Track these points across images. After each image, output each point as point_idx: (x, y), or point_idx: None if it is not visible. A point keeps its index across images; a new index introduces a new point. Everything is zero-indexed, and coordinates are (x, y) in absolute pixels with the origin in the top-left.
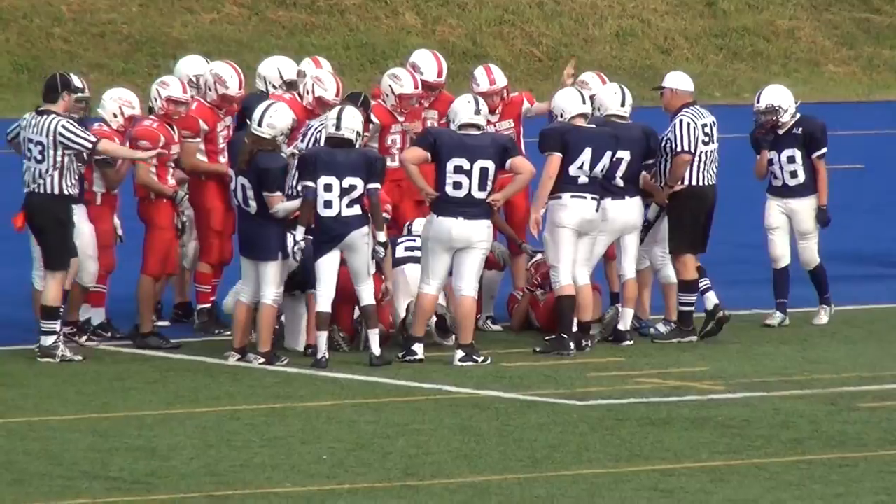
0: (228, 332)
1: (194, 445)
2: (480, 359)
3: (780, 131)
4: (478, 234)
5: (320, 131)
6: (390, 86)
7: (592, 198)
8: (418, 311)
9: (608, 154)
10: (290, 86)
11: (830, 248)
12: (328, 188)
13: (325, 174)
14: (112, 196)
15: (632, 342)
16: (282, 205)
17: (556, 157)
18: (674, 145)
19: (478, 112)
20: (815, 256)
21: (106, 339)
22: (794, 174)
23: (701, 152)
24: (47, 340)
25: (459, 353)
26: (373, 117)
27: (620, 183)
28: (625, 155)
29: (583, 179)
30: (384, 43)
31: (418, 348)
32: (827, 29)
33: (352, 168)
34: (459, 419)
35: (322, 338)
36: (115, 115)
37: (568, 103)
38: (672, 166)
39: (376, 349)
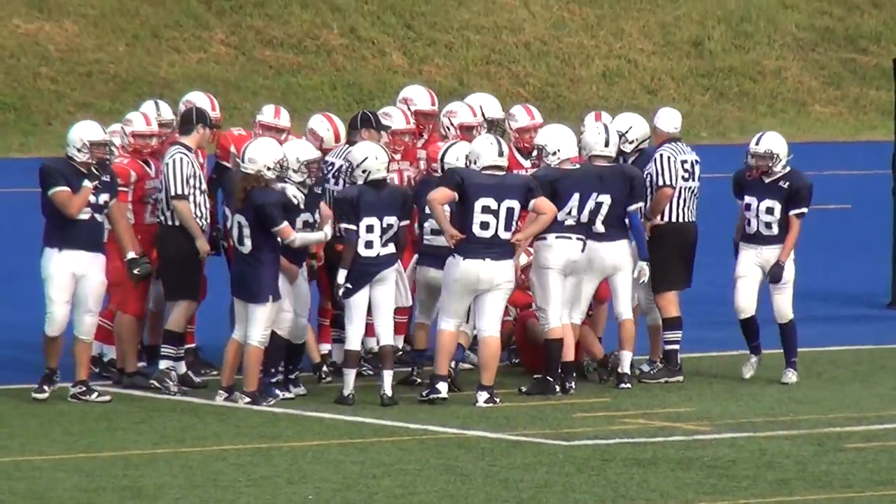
0: (215, 372)
1: (181, 485)
2: (498, 399)
3: (767, 180)
4: (503, 274)
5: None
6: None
7: (577, 238)
8: (440, 349)
9: (593, 195)
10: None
11: (816, 288)
12: (370, 229)
13: (368, 215)
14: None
15: (630, 386)
16: (299, 235)
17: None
18: (654, 179)
19: (501, 154)
20: (789, 310)
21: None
22: (768, 225)
23: (681, 188)
24: (163, 364)
25: (483, 395)
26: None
27: (601, 229)
28: (605, 199)
29: (569, 222)
30: (371, 83)
31: (442, 387)
32: (813, 69)
33: (391, 207)
34: (445, 459)
35: (350, 375)
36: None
37: (565, 144)
38: (654, 200)
39: (388, 390)
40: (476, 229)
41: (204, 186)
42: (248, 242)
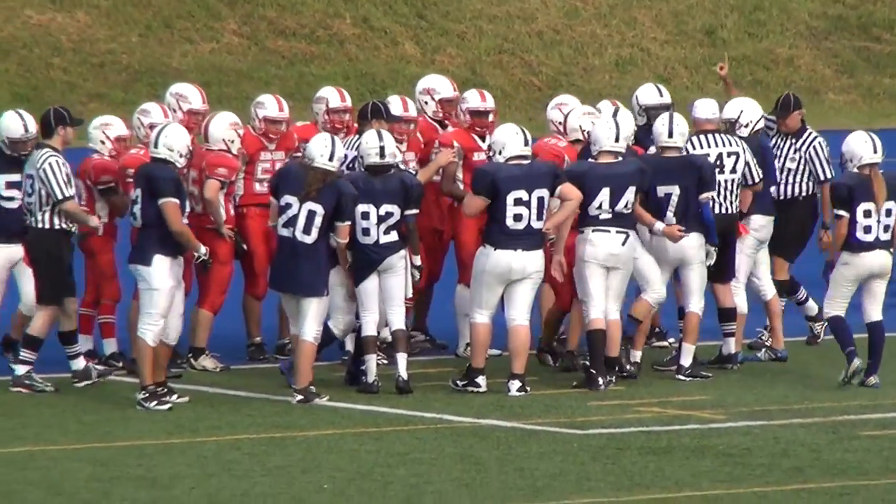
0: (180, 360)
1: (195, 475)
2: (529, 388)
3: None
4: (534, 264)
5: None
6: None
7: (618, 231)
8: (476, 342)
9: (631, 189)
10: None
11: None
12: (365, 216)
13: (363, 202)
14: (113, 226)
15: (687, 378)
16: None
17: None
18: None
19: (526, 143)
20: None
21: (118, 368)
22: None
23: None
24: (21, 370)
25: (516, 384)
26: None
27: (672, 221)
28: (672, 189)
29: (605, 216)
30: (384, 72)
31: (482, 380)
32: (827, 57)
33: (389, 195)
34: (460, 448)
35: (371, 361)
36: (103, 142)
37: (602, 136)
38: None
39: (404, 373)
40: (510, 221)
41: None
42: (315, 233)
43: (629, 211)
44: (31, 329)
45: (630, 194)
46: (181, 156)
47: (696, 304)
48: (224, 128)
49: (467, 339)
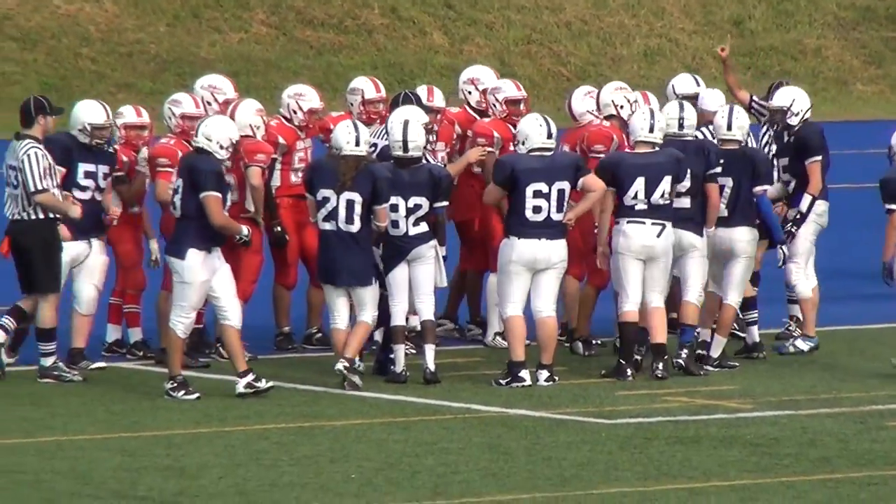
0: (214, 352)
1: (223, 465)
2: (557, 377)
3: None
4: (557, 254)
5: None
6: (496, 97)
7: (654, 223)
8: (513, 335)
9: (667, 179)
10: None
11: (859, 266)
12: (394, 208)
13: (392, 194)
14: (132, 216)
15: (716, 369)
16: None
17: (608, 192)
18: None
19: (550, 136)
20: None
21: (139, 357)
22: None
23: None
24: (46, 361)
25: (544, 374)
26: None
27: (725, 213)
28: (726, 181)
29: (640, 207)
30: (412, 62)
31: (525, 374)
32: (854, 48)
33: (417, 187)
34: (488, 438)
35: (399, 351)
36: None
37: (638, 126)
38: None
39: (431, 365)
40: (528, 213)
41: (59, 178)
42: (357, 221)
43: (666, 202)
44: (40, 322)
45: (666, 184)
46: (221, 147)
47: (734, 297)
48: (251, 114)
49: (496, 329)
